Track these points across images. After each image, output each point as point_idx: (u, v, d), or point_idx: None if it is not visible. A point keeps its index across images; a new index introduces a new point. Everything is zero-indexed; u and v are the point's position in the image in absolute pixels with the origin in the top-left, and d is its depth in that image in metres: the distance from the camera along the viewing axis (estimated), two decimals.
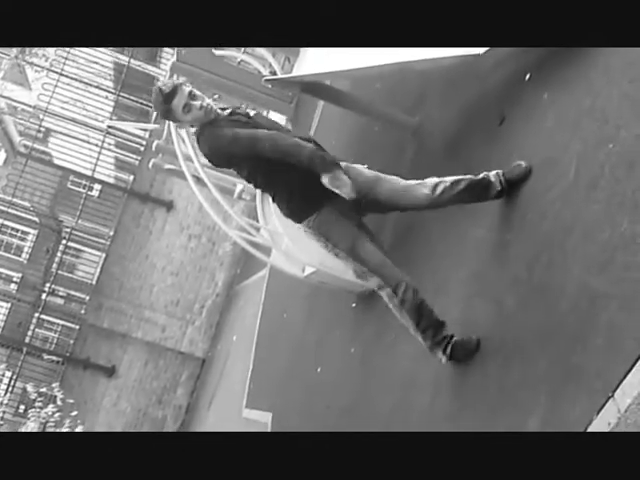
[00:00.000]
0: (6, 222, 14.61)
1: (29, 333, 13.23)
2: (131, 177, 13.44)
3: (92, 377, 12.32)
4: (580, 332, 2.82)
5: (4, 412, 11.36)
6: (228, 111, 3.79)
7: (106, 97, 13.57)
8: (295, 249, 5.84)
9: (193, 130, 3.89)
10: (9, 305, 15.11)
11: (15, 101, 16.15)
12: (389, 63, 4.70)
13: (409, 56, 4.44)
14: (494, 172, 3.75)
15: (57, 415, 9.70)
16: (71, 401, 10.29)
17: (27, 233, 22.40)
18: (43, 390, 10.32)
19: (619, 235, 2.80)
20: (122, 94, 13.23)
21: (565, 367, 2.82)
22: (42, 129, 13.72)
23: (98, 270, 12.91)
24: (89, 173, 12.92)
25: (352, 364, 5.32)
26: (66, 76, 12.99)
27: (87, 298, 12.94)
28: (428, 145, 5.41)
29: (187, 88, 3.64)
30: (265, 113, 9.00)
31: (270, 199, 4.01)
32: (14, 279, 19.02)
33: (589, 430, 2.54)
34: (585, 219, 3.07)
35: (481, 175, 3.78)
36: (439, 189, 3.70)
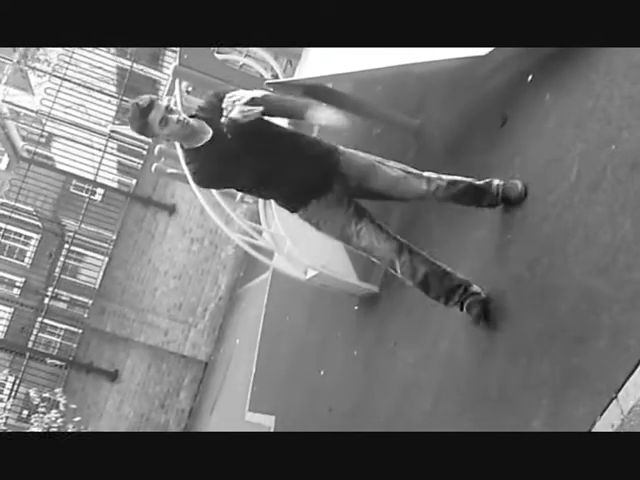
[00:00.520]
0: (9, 227, 14.61)
1: (32, 338, 13.23)
2: (134, 181, 13.45)
3: (95, 381, 12.31)
4: (582, 334, 2.81)
5: (7, 417, 11.36)
6: (209, 134, 3.70)
7: (109, 101, 13.58)
8: (297, 252, 5.84)
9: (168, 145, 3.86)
10: (12, 310, 15.13)
11: (18, 106, 16.17)
12: (391, 66, 4.70)
13: (411, 59, 4.44)
14: (496, 182, 3.76)
15: (60, 420, 9.69)
16: (74, 406, 10.28)
17: (30, 238, 22.43)
18: (46, 395, 10.31)
19: (621, 237, 2.80)
20: (125, 98, 13.24)
21: (568, 369, 2.82)
22: (45, 134, 13.74)
23: (101, 274, 12.90)
24: (92, 177, 12.93)
25: (355, 367, 5.31)
26: (69, 81, 13.00)
27: (90, 302, 12.93)
28: (430, 147, 5.41)
29: (163, 103, 3.61)
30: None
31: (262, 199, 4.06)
32: (17, 284, 19.05)
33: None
34: (587, 221, 3.07)
35: (482, 182, 3.78)
36: (433, 185, 3.73)
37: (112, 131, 12.85)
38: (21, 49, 14.21)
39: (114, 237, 12.86)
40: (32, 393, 10.30)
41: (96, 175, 12.84)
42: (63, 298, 15.04)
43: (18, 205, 13.45)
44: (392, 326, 4.93)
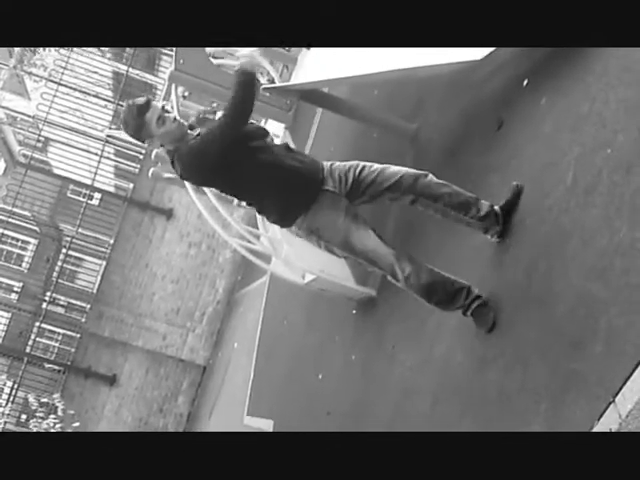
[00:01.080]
0: (6, 232, 14.60)
1: (30, 342, 13.22)
2: (131, 185, 13.45)
3: (93, 386, 12.30)
4: (579, 338, 2.81)
5: (6, 422, 11.35)
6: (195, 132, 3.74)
7: (105, 106, 13.59)
8: (295, 256, 5.84)
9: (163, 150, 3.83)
10: (10, 315, 15.11)
11: (14, 111, 16.17)
12: (387, 70, 4.70)
13: (407, 63, 4.44)
14: (489, 203, 3.71)
15: (58, 426, 9.69)
16: (72, 412, 10.27)
17: (27, 242, 22.41)
18: (45, 400, 10.31)
19: (618, 240, 2.80)
20: (121, 103, 13.23)
21: (565, 373, 2.82)
22: (41, 139, 13.72)
23: (98, 279, 12.90)
24: (89, 182, 12.93)
25: (353, 371, 5.32)
26: (65, 85, 13.01)
27: (88, 307, 12.93)
28: (427, 151, 5.41)
29: (159, 103, 3.64)
30: (263, 122, 9.03)
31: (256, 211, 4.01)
32: (15, 288, 19.02)
33: None
34: (584, 225, 3.07)
35: (473, 194, 3.74)
36: (423, 177, 3.71)
37: (109, 136, 12.85)
38: (17, 54, 14.21)
39: (112, 241, 12.86)
40: (30, 398, 10.29)
41: (93, 180, 12.84)
42: (61, 303, 15.01)
43: (15, 210, 13.43)
44: (390, 330, 4.94)
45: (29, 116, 14.20)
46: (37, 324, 13.20)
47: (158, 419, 12.39)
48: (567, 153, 3.39)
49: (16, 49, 14.17)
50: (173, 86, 6.98)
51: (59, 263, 14.07)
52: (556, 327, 3.00)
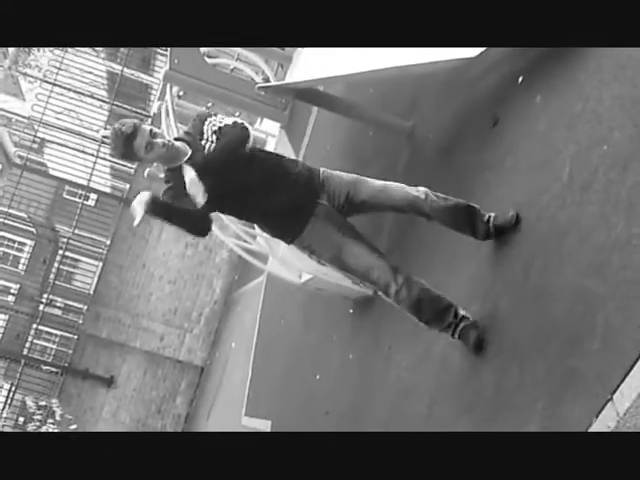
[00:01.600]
0: (3, 233, 14.56)
1: (27, 344, 13.19)
2: (127, 186, 13.42)
3: (91, 388, 12.27)
4: (577, 335, 2.81)
5: (3, 425, 11.33)
6: (188, 152, 3.64)
7: (100, 106, 13.55)
8: (291, 256, 5.82)
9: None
10: (7, 317, 15.07)
11: (9, 112, 16.14)
12: (382, 68, 4.69)
13: (402, 61, 4.43)
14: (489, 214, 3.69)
15: (57, 430, 9.67)
16: (70, 417, 10.25)
17: (24, 244, 22.36)
18: (43, 403, 10.28)
19: (614, 237, 2.80)
20: (116, 103, 13.21)
21: (563, 370, 2.81)
22: (37, 140, 13.70)
23: (95, 280, 12.87)
24: (85, 183, 12.89)
25: (350, 371, 5.31)
26: (59, 86, 12.97)
27: (85, 308, 12.90)
28: (422, 149, 5.40)
29: (147, 127, 3.55)
30: (259, 121, 9.02)
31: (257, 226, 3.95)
32: (12, 290, 18.99)
33: None
34: (580, 221, 3.06)
35: (475, 205, 3.71)
36: (422, 194, 3.63)
37: (104, 136, 12.82)
38: (12, 55, 14.18)
39: (108, 242, 12.82)
40: (28, 401, 10.26)
41: (89, 180, 12.81)
42: (58, 304, 14.98)
43: (11, 211, 13.40)
44: (387, 329, 4.93)
45: (24, 117, 14.16)
46: (34, 326, 13.17)
47: (156, 420, 12.37)
48: (562, 150, 3.39)
49: (10, 50, 14.13)
50: (168, 86, 6.97)
51: (56, 264, 14.04)
52: (553, 324, 2.99)
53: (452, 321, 3.52)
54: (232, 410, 8.87)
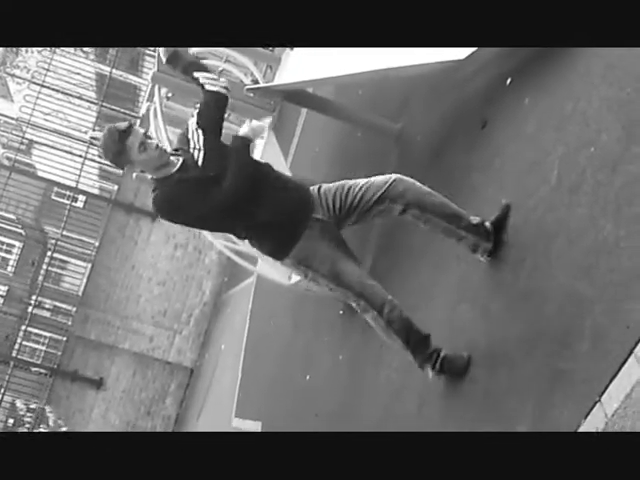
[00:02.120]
0: None
1: (16, 346, 13.13)
2: (115, 187, 13.38)
3: (80, 389, 12.24)
4: (566, 337, 2.81)
5: None
6: (178, 162, 3.61)
7: (88, 108, 13.51)
8: None
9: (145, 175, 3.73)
10: None
11: None
12: (371, 70, 4.70)
13: (391, 62, 4.44)
14: (479, 218, 3.58)
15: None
16: (62, 422, 10.22)
17: (12, 246, 22.24)
18: (33, 407, 10.25)
19: (603, 239, 2.81)
20: (104, 104, 13.17)
21: (551, 372, 2.82)
22: (25, 141, 13.64)
23: (84, 281, 12.82)
24: (73, 184, 12.85)
25: (340, 372, 5.31)
26: (48, 87, 12.93)
27: (74, 310, 12.86)
28: (411, 150, 5.41)
29: (141, 129, 3.54)
30: (248, 122, 8.95)
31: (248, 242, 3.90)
32: (0, 292, 18.90)
33: None
34: (569, 224, 3.07)
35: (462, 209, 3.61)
36: (411, 183, 3.55)
37: (92, 137, 12.77)
38: None
39: (97, 244, 12.78)
40: (19, 404, 10.23)
41: (77, 182, 12.77)
42: (47, 306, 14.92)
43: (0, 213, 13.35)
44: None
45: (12, 118, 14.10)
46: (23, 328, 13.12)
47: (146, 422, 12.35)
48: (551, 152, 3.40)
49: None
50: (156, 87, 6.96)
51: (44, 266, 13.98)
52: (542, 326, 3.00)
53: (433, 351, 3.49)
54: (222, 411, 8.86)
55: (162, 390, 12.38)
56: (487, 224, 3.53)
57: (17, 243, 21.04)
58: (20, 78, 14.57)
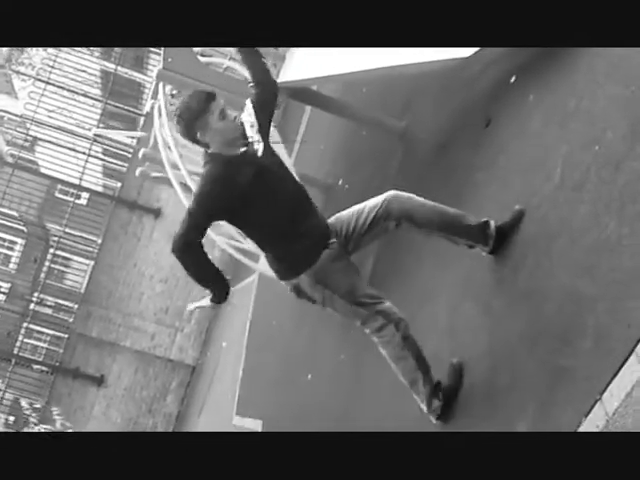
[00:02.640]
0: None
1: (18, 343, 13.15)
2: (119, 185, 13.39)
3: (81, 387, 12.24)
4: (567, 335, 2.80)
5: None
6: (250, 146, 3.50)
7: (93, 105, 13.52)
8: None
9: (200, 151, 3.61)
10: None
11: (1, 110, 16.08)
12: (376, 68, 4.69)
13: (396, 60, 4.43)
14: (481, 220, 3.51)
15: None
16: (69, 424, 10.23)
17: (15, 243, 22.27)
18: (37, 406, 10.26)
19: (605, 237, 2.79)
20: (109, 102, 13.18)
21: (553, 370, 2.81)
22: (29, 138, 13.66)
23: (86, 279, 12.83)
24: (76, 181, 12.86)
25: (342, 371, 5.30)
26: (53, 84, 12.94)
27: (76, 307, 12.87)
28: (416, 148, 5.41)
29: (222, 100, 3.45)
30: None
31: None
32: (2, 289, 18.92)
33: None
34: (571, 222, 3.06)
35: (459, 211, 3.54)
36: (406, 198, 3.49)
37: (96, 135, 12.79)
38: (5, 53, 14.13)
39: (99, 241, 12.80)
40: (24, 403, 10.22)
41: (81, 179, 12.78)
42: (49, 303, 14.94)
43: (2, 210, 13.36)
44: None
45: (17, 115, 14.12)
46: (25, 325, 13.13)
47: (147, 419, 12.35)
48: (555, 150, 3.38)
49: (3, 48, 14.08)
50: (161, 84, 6.95)
51: (47, 263, 14.00)
52: (544, 324, 2.99)
53: (437, 383, 3.48)
54: (223, 409, 8.86)
55: (163, 388, 12.39)
56: (491, 226, 3.47)
57: (20, 240, 21.08)
58: (25, 75, 14.58)
